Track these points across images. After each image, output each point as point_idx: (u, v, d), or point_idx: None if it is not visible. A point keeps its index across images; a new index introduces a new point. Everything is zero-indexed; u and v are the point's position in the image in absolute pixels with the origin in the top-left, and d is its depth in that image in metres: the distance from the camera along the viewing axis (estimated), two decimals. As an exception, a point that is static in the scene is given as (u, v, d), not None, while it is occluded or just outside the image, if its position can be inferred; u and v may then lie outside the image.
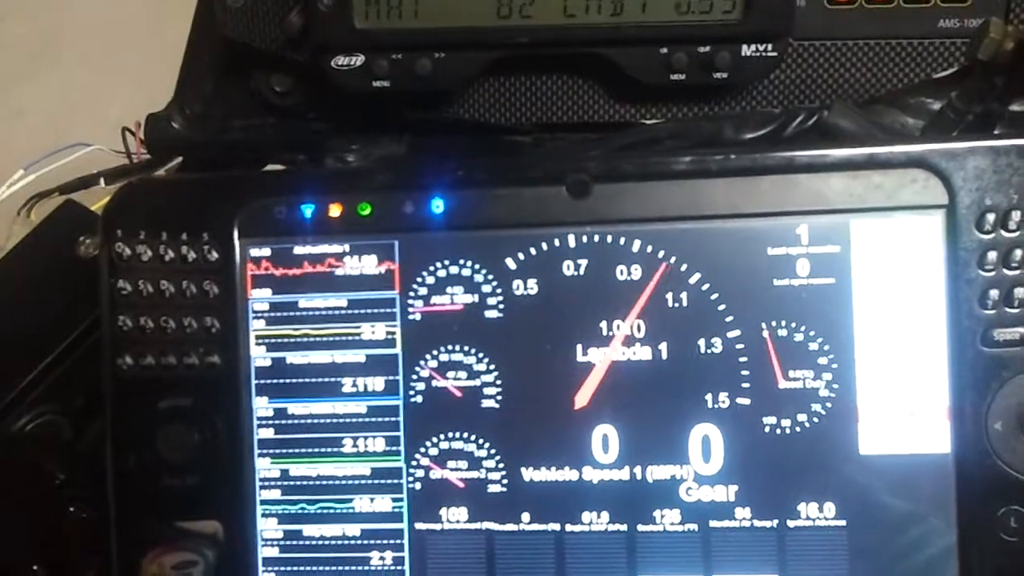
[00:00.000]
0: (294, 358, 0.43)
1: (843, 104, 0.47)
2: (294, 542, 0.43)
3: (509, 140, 0.51)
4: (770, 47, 0.46)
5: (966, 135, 0.45)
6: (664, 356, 0.42)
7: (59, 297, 0.48)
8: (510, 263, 0.43)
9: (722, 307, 0.42)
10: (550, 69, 0.49)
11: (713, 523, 0.42)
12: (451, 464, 0.43)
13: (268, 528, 0.43)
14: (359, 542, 0.43)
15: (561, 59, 0.49)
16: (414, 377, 0.43)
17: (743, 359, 0.42)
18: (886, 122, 0.48)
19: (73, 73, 0.88)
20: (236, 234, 0.43)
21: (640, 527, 0.42)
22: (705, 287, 0.42)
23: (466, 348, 0.43)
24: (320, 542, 0.43)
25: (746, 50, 0.46)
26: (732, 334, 0.42)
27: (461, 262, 0.43)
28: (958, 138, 0.41)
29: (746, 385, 0.42)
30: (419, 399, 0.43)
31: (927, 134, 0.46)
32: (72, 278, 0.47)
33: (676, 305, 0.42)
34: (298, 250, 0.43)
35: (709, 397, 0.42)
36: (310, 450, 0.43)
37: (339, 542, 0.43)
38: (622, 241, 0.42)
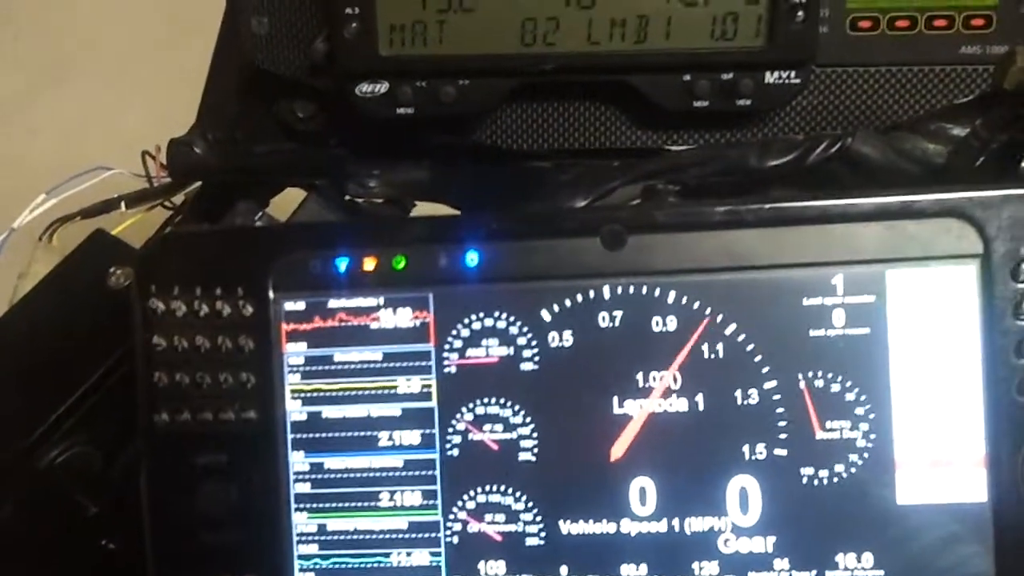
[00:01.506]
0: (330, 412, 0.43)
1: (866, 132, 0.47)
2: None
3: (531, 167, 0.52)
4: (793, 74, 0.47)
5: (992, 174, 0.45)
6: (701, 408, 0.42)
7: (89, 328, 0.48)
8: (545, 315, 0.42)
9: (758, 358, 0.41)
10: (573, 96, 0.50)
11: (751, 575, 0.41)
12: (488, 517, 0.42)
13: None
14: None
15: (584, 86, 0.49)
16: (450, 430, 0.43)
17: (780, 410, 0.41)
18: (907, 148, 0.48)
19: (88, 93, 0.88)
20: (271, 288, 0.43)
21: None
22: (741, 338, 0.42)
23: (502, 401, 0.42)
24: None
25: (769, 77, 0.47)
26: (769, 385, 0.41)
27: (496, 314, 0.42)
28: (991, 186, 0.41)
29: (783, 436, 0.41)
30: (455, 452, 0.43)
31: (951, 163, 0.46)
32: (102, 309, 0.47)
33: (713, 356, 0.42)
34: (332, 303, 0.43)
35: (747, 448, 0.41)
36: (347, 504, 0.43)
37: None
38: (657, 292, 0.42)
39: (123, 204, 0.55)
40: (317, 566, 0.43)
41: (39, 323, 0.49)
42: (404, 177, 0.52)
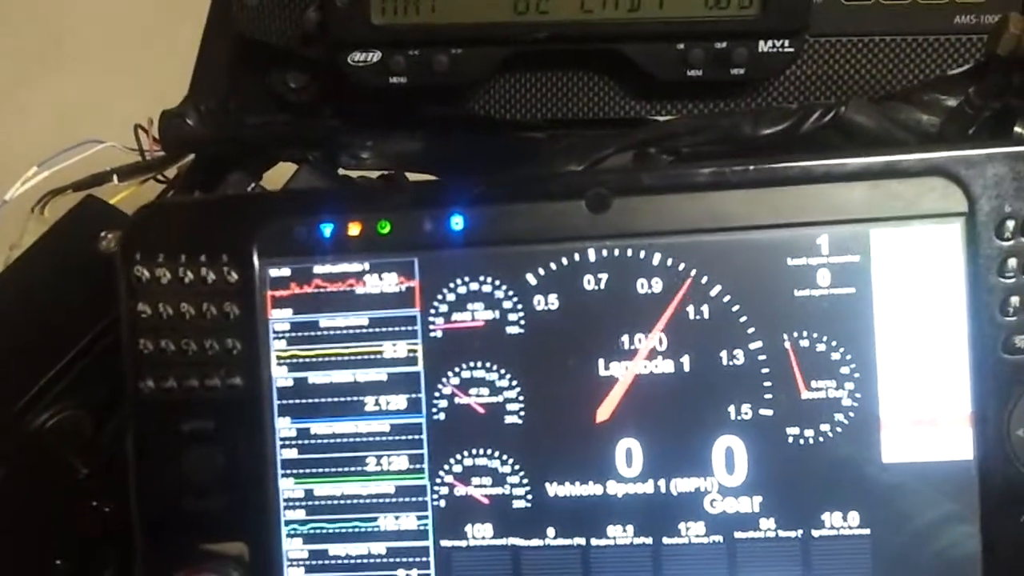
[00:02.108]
0: (316, 378, 0.43)
1: (859, 100, 0.46)
2: (320, 562, 0.43)
3: (524, 137, 0.51)
4: (787, 43, 0.46)
5: (984, 140, 0.45)
6: (686, 369, 0.42)
7: (80, 292, 0.48)
8: (531, 278, 0.42)
9: (743, 319, 0.42)
10: (566, 65, 0.49)
11: (738, 534, 0.41)
12: (475, 481, 0.42)
13: (293, 548, 0.43)
14: (385, 560, 0.43)
15: (577, 55, 0.49)
16: (436, 395, 0.43)
17: (765, 370, 0.41)
18: (900, 117, 0.48)
19: (81, 70, 0.88)
20: (255, 255, 0.43)
21: (665, 540, 0.42)
22: (726, 299, 0.42)
23: (488, 365, 0.42)
24: (346, 561, 0.43)
25: (763, 46, 0.46)
26: (754, 345, 0.42)
27: (481, 278, 0.42)
28: (976, 145, 0.41)
29: (769, 396, 0.41)
30: (442, 416, 0.43)
31: (944, 131, 0.46)
32: (93, 273, 0.46)
33: (698, 318, 0.42)
34: (318, 269, 0.43)
35: (732, 409, 0.41)
36: (334, 469, 0.43)
37: (365, 561, 0.43)
38: (642, 255, 0.42)
39: (115, 177, 0.55)
40: (304, 531, 0.43)
41: (29, 288, 0.49)
42: (397, 148, 0.52)
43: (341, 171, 0.53)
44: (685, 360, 0.42)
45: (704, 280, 0.42)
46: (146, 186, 0.57)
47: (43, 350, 0.48)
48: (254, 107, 0.52)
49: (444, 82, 0.47)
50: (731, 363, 0.42)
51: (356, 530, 0.43)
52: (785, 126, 0.46)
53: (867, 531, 0.41)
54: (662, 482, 0.42)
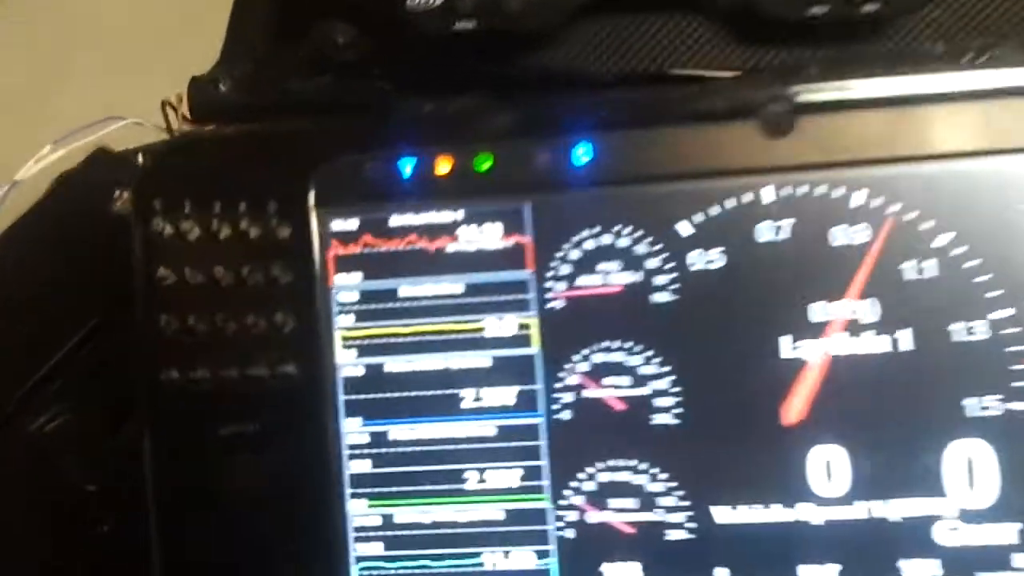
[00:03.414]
0: (395, 365, 0.36)
1: (1020, 39, 0.40)
2: None
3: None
4: None
5: None
6: (904, 347, 0.33)
7: (87, 264, 0.42)
8: (684, 228, 0.35)
9: (984, 278, 0.33)
10: (662, 7, 0.44)
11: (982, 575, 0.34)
12: (614, 503, 0.35)
13: None
14: None
15: None
16: (559, 386, 0.35)
17: (1016, 348, 0.33)
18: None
19: (107, 48, 0.85)
20: (313, 202, 0.36)
21: None
22: (959, 251, 0.33)
23: (628, 345, 0.35)
24: None
25: None
26: (1000, 314, 0.33)
27: (617, 229, 0.35)
28: None
29: (1022, 384, 0.32)
30: (567, 415, 0.35)
31: None
32: (103, 242, 0.41)
33: (919, 277, 0.33)
34: (396, 220, 0.36)
35: (971, 402, 0.33)
36: (420, 488, 0.36)
37: None
38: (838, 192, 0.33)
39: (140, 157, 0.49)
40: (382, 571, 0.36)
41: (25, 259, 0.44)
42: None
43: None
44: (902, 336, 0.33)
45: (926, 226, 0.33)
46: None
47: (40, 338, 0.42)
48: (294, 70, 0.47)
49: (517, 27, 0.41)
50: (968, 338, 0.33)
51: (452, 570, 0.35)
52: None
53: None
54: (876, 505, 0.33)
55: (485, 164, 0.35)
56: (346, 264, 0.36)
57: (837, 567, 0.33)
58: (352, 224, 0.36)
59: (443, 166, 0.36)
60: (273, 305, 0.36)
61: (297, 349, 0.36)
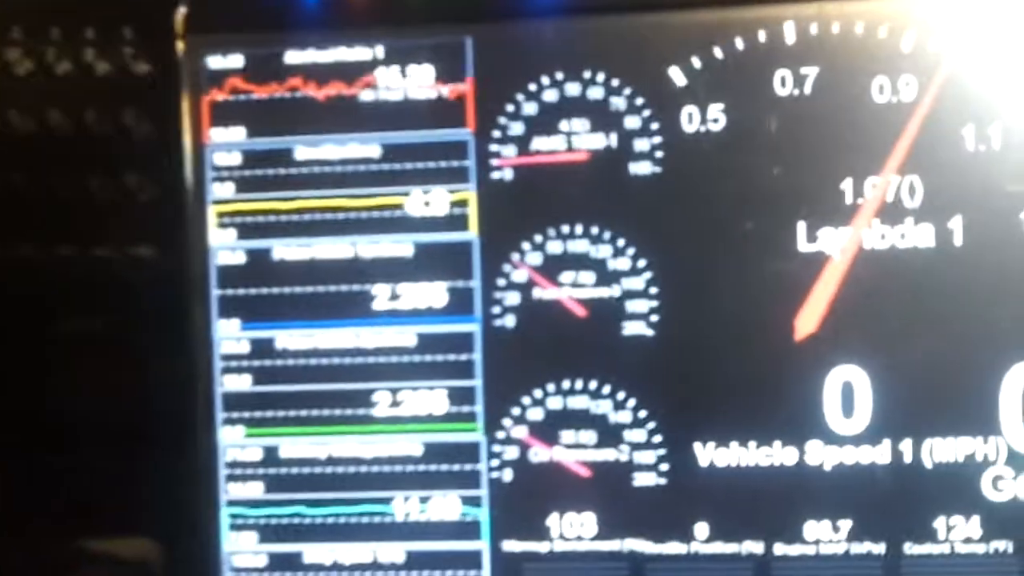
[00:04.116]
0: (286, 251, 0.30)
1: None
2: (287, 573, 0.30)
3: None
4: None
5: None
6: (955, 240, 0.27)
7: None
8: (675, 76, 0.28)
9: None
10: None
11: (1040, 540, 0.26)
12: (567, 437, 0.29)
13: (241, 550, 0.30)
14: (403, 574, 0.30)
15: None
16: (501, 283, 0.30)
17: None
18: None
19: None
20: (181, 28, 0.30)
21: (909, 548, 0.28)
22: None
23: (595, 231, 0.29)
24: (333, 573, 0.30)
25: None
26: None
27: (586, 76, 0.29)
28: None
29: None
30: (510, 321, 0.29)
31: None
32: None
33: (979, 148, 0.27)
34: (292, 57, 0.30)
35: None
36: (315, 413, 0.30)
37: (366, 574, 0.30)
38: (880, 33, 0.27)
39: None
40: (262, 520, 0.30)
41: None
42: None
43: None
44: (953, 225, 0.27)
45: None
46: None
47: None
48: None
49: None
50: (1039, 231, 0.26)
51: (352, 522, 0.29)
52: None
53: None
54: (906, 445, 0.28)
55: (415, -16, 0.28)
56: (224, 114, 0.30)
57: (848, 522, 0.28)
58: (234, 60, 0.30)
59: (358, -15, 0.29)
60: (124, 164, 0.30)
61: (155, 225, 0.30)
